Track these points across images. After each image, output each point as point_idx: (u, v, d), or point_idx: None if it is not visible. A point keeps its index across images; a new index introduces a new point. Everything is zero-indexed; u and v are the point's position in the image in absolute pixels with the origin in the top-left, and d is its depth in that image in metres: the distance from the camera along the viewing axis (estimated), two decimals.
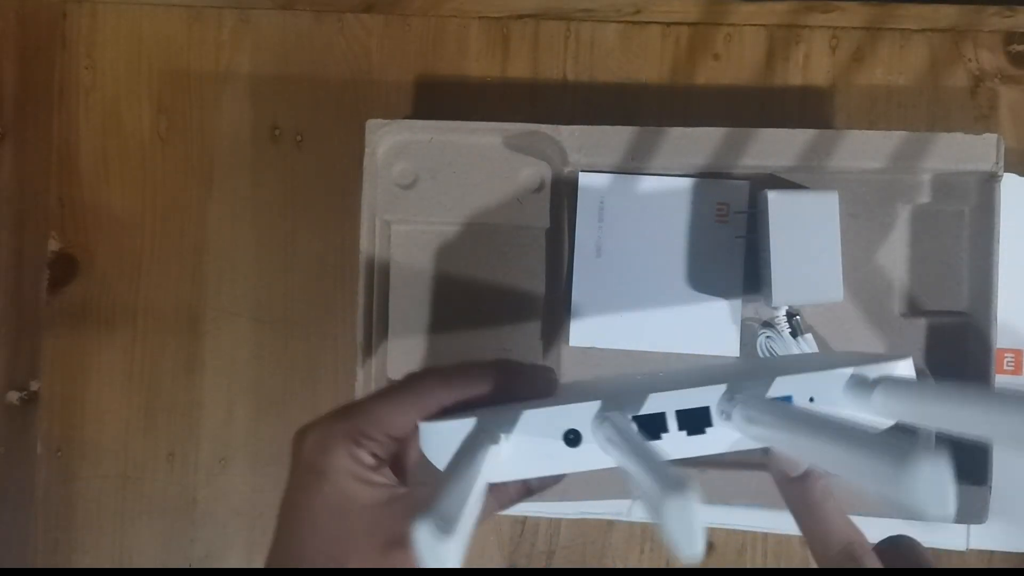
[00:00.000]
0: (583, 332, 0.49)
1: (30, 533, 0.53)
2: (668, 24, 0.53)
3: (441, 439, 0.28)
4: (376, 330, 0.48)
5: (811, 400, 0.27)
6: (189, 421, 0.53)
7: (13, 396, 0.53)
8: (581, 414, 0.27)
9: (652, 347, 0.49)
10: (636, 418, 0.27)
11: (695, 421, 0.28)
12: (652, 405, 0.27)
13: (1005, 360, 0.51)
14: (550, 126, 0.48)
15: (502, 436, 0.27)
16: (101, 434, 0.53)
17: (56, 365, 0.53)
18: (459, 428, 0.27)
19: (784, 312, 0.48)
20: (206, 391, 0.53)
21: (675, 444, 0.27)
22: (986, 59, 0.52)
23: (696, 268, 0.49)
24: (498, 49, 0.53)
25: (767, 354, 0.48)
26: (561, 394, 0.30)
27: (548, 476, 0.29)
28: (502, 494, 0.31)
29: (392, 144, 0.49)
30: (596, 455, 0.27)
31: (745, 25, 0.53)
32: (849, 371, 0.27)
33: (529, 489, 0.31)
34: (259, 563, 0.52)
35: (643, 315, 0.49)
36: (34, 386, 0.53)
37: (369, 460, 0.28)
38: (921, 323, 0.49)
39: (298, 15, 0.53)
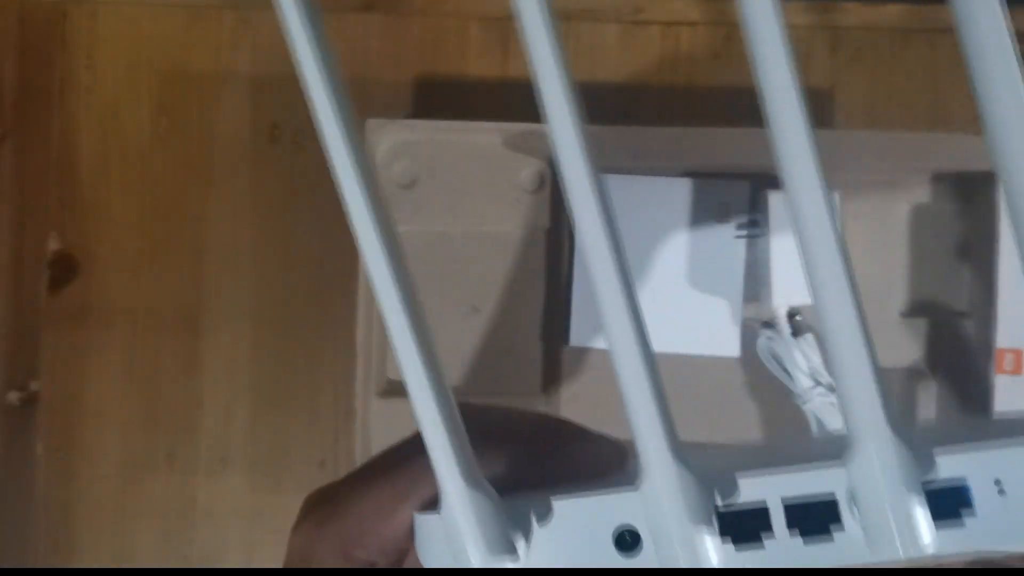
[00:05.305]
0: (583, 332, 0.49)
1: (30, 533, 0.53)
2: (668, 24, 0.53)
3: (441, 535, 0.20)
4: (376, 330, 0.48)
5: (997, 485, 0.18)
6: (189, 421, 0.53)
7: (13, 396, 0.53)
8: (634, 507, 0.19)
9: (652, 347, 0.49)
10: (721, 515, 0.18)
11: (814, 518, 0.18)
12: (745, 492, 0.18)
13: (1005, 360, 0.51)
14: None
15: (524, 535, 0.19)
16: (101, 434, 0.53)
17: (56, 365, 0.53)
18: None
19: (784, 312, 0.48)
20: (206, 391, 0.53)
21: (784, 554, 0.18)
22: None
23: (696, 268, 0.49)
24: (498, 49, 0.53)
25: (767, 354, 0.48)
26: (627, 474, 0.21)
27: None
28: None
29: (392, 144, 0.49)
30: (665, 562, 0.19)
31: None
32: None
33: None
34: (259, 563, 0.52)
35: (643, 315, 0.49)
36: (34, 386, 0.53)
37: None
38: (921, 323, 0.49)
39: None
